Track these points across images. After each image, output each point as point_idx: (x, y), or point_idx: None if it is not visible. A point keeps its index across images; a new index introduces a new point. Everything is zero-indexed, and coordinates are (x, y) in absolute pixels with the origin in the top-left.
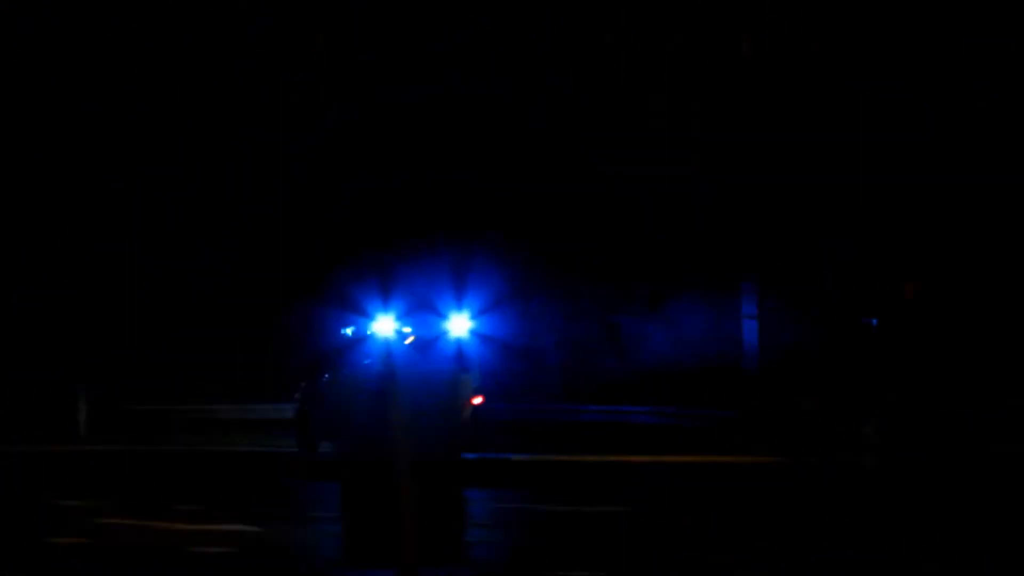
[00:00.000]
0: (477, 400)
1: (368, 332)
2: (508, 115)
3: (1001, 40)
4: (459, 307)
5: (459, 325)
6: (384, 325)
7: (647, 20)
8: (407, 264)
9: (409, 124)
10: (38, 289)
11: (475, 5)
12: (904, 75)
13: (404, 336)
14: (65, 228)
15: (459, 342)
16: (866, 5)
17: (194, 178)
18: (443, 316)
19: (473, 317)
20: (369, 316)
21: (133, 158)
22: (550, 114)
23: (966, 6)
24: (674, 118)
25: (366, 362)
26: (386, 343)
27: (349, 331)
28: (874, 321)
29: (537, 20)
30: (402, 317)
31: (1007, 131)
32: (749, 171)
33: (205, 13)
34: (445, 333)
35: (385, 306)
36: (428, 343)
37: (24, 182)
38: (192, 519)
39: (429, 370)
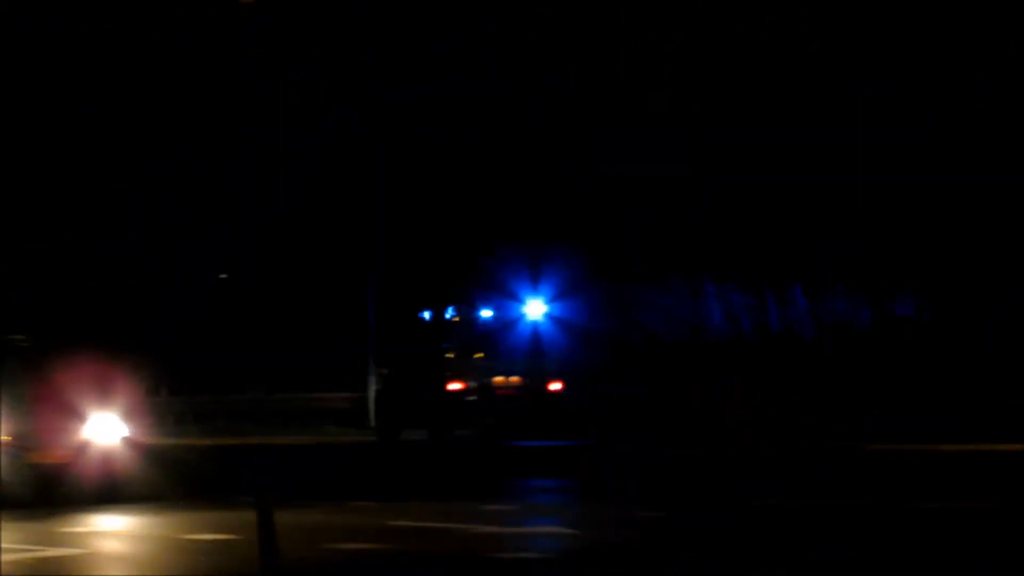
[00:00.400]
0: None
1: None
2: (508, 115)
3: (1001, 40)
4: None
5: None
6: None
7: (647, 20)
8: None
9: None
10: (38, 289)
11: (475, 5)
12: (904, 75)
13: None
14: (65, 228)
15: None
16: (866, 5)
17: (194, 178)
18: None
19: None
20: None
21: (133, 158)
22: (550, 114)
23: (966, 6)
24: (674, 118)
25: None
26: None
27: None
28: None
29: (537, 20)
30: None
31: (1007, 131)
32: (749, 171)
33: (205, 13)
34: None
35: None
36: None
37: (24, 182)
38: (496, 520)
39: None
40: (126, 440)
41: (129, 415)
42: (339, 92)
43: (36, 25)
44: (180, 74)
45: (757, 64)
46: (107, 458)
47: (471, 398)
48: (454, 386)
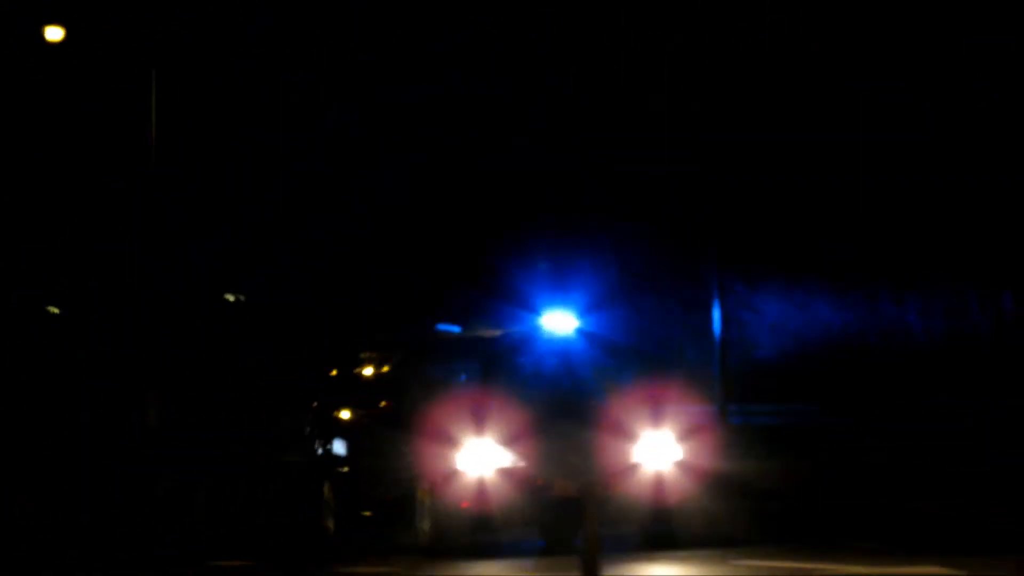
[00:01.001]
0: None
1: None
2: (508, 115)
3: (1001, 40)
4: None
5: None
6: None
7: (647, 20)
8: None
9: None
10: (38, 289)
11: (475, 5)
12: (904, 75)
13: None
14: (65, 228)
15: None
16: (866, 5)
17: (194, 178)
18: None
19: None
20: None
21: (133, 158)
22: (550, 114)
23: (966, 6)
24: (674, 118)
25: None
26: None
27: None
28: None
29: (537, 20)
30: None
31: (1007, 131)
32: (749, 171)
33: (205, 13)
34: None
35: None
36: None
37: (24, 182)
38: (865, 557)
39: None
40: (679, 465)
41: (685, 431)
42: (339, 92)
43: (36, 25)
44: (180, 74)
45: (757, 64)
46: (649, 487)
47: None
48: None
